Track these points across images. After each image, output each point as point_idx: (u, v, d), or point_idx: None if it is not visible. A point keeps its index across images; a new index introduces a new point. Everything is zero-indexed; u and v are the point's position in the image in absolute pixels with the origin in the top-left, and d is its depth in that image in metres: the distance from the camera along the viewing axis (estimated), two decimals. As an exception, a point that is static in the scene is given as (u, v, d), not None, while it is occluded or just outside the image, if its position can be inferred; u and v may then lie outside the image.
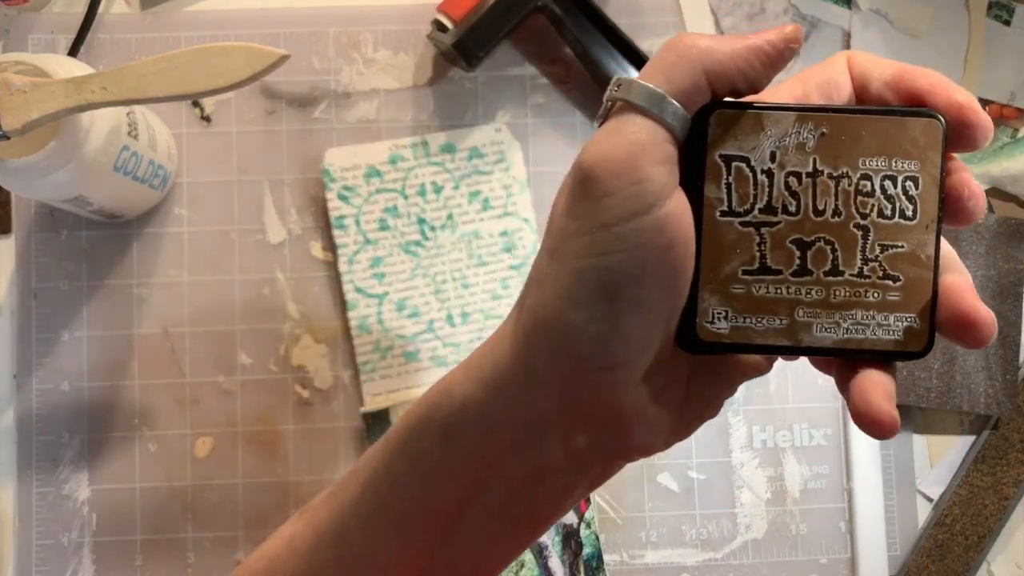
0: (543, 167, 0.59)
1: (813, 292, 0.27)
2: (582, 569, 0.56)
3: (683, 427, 0.30)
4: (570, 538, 0.56)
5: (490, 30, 0.54)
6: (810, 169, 0.28)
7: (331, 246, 0.57)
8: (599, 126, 0.29)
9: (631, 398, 0.28)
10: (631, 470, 0.57)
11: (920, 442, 0.59)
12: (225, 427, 0.57)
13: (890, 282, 0.27)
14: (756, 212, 0.28)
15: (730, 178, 0.28)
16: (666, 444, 0.30)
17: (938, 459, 0.59)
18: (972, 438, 0.59)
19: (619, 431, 0.29)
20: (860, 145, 0.27)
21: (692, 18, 0.61)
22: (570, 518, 0.56)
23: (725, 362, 0.31)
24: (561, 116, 0.60)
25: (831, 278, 0.27)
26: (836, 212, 0.27)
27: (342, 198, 0.57)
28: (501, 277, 0.57)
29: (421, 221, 0.57)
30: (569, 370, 0.28)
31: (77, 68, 0.45)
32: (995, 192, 0.60)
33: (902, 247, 0.27)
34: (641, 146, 0.27)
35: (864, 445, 0.58)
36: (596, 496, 0.57)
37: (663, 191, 0.27)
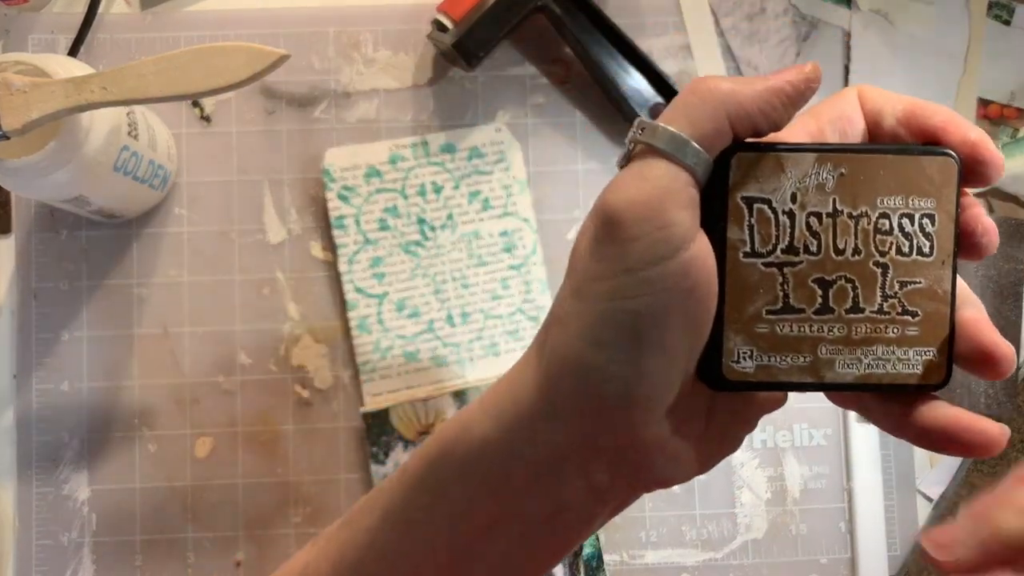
0: (543, 167, 0.59)
1: (835, 329, 0.28)
2: (582, 569, 0.56)
3: (703, 461, 0.31)
4: (570, 538, 0.56)
5: (490, 30, 0.54)
6: (830, 209, 0.28)
7: (331, 246, 0.57)
8: (620, 168, 0.29)
9: (652, 434, 0.29)
10: (631, 470, 0.57)
11: (920, 442, 0.59)
12: (225, 427, 0.57)
13: (909, 317, 0.28)
14: (778, 253, 0.28)
15: (752, 220, 0.29)
16: (686, 477, 0.30)
17: (938, 459, 0.59)
18: (972, 438, 0.59)
19: (639, 466, 0.29)
20: (878, 184, 0.28)
21: (692, 18, 0.61)
22: None
23: (745, 398, 0.31)
24: (561, 116, 0.60)
25: (852, 315, 0.28)
26: (856, 251, 0.28)
27: (342, 198, 0.57)
28: (501, 277, 0.57)
29: (421, 221, 0.57)
30: (591, 408, 0.28)
31: (77, 68, 0.45)
32: (995, 192, 0.60)
33: (920, 283, 0.28)
34: (666, 191, 0.27)
35: (864, 445, 0.58)
36: (596, 496, 0.57)
37: (688, 235, 0.27)
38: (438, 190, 0.57)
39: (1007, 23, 0.61)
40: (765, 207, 0.28)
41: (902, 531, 0.58)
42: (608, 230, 0.27)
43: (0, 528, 0.55)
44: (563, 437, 0.29)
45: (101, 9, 0.57)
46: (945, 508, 0.57)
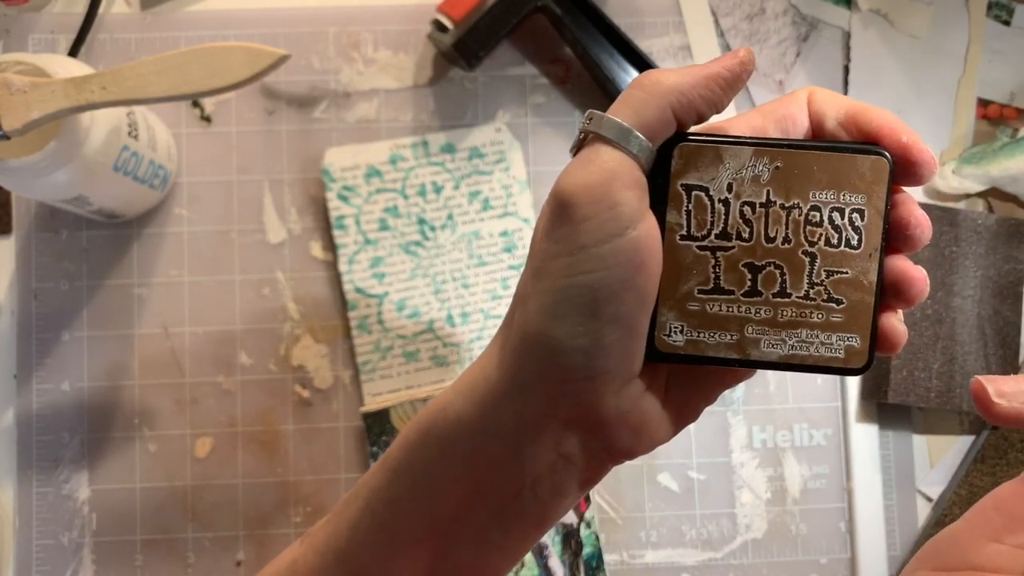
0: (543, 167, 0.59)
1: (762, 311, 0.30)
2: (582, 569, 0.56)
3: (663, 431, 0.32)
4: (570, 538, 0.56)
5: (490, 30, 0.54)
6: (763, 200, 0.30)
7: (331, 246, 0.58)
8: (572, 155, 0.31)
9: (613, 404, 0.30)
10: (631, 470, 0.57)
11: (920, 442, 0.59)
12: (225, 427, 0.57)
13: (834, 304, 0.30)
14: (712, 237, 0.31)
15: (690, 205, 0.31)
16: (648, 447, 0.32)
17: (938, 459, 0.59)
18: (972, 438, 0.59)
19: (603, 435, 0.31)
20: (811, 179, 0.30)
21: (692, 18, 0.61)
22: (570, 518, 0.56)
23: (702, 371, 0.32)
24: (561, 116, 0.60)
25: (779, 299, 0.30)
26: (786, 240, 0.30)
27: (342, 198, 0.57)
28: (501, 277, 0.57)
29: (421, 221, 0.57)
30: (554, 380, 0.30)
31: (77, 68, 0.45)
32: (994, 192, 0.60)
33: (847, 273, 0.30)
34: (613, 174, 0.29)
35: (864, 445, 0.58)
36: (596, 496, 0.57)
37: (635, 214, 0.29)
38: (438, 190, 0.57)
39: (1007, 23, 0.62)
40: (703, 194, 0.31)
41: (902, 531, 0.58)
42: (561, 212, 0.29)
43: (0, 528, 0.56)
44: (530, 408, 0.31)
45: (101, 9, 0.58)
46: (945, 508, 0.57)
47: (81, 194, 0.49)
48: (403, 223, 0.57)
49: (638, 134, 0.30)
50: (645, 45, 0.59)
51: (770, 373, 0.58)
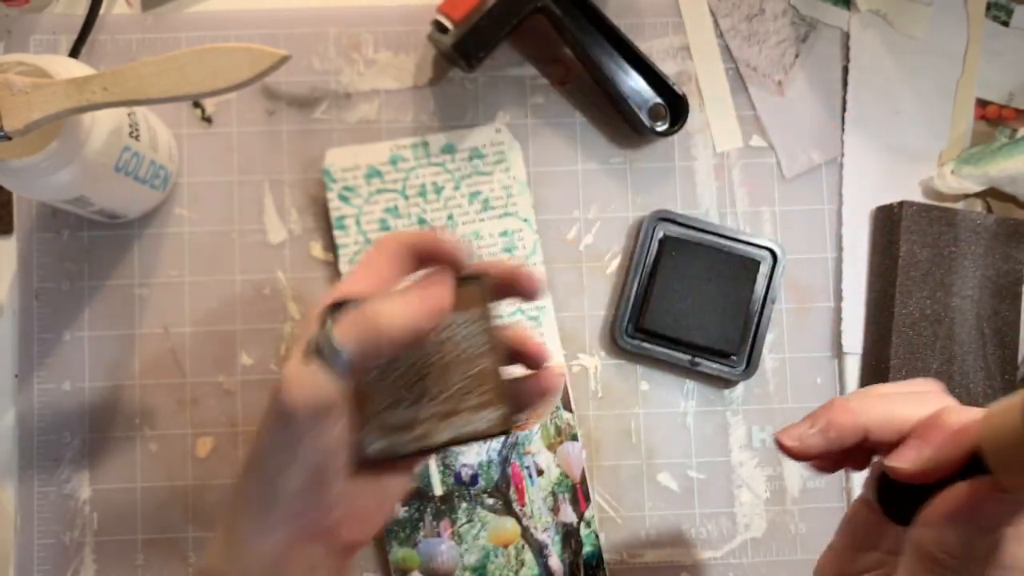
0: (543, 167, 0.59)
1: (430, 409, 0.39)
2: (582, 568, 0.56)
3: (381, 515, 0.41)
4: (570, 537, 0.56)
5: (490, 31, 0.54)
6: None
7: (331, 246, 0.58)
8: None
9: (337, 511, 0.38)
10: (631, 470, 0.58)
11: (919, 442, 0.59)
12: (226, 427, 0.57)
13: (475, 394, 0.40)
14: (382, 369, 0.39)
15: None
16: (372, 532, 0.40)
17: (937, 459, 0.59)
18: (971, 438, 0.59)
19: (335, 535, 0.38)
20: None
21: (691, 19, 0.61)
22: (570, 517, 0.56)
23: (375, 484, 0.40)
24: (561, 116, 0.60)
25: (439, 398, 0.39)
26: (437, 354, 0.40)
27: (342, 199, 0.57)
28: None
29: (422, 222, 0.57)
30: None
31: (78, 69, 0.45)
32: (993, 192, 0.60)
33: (481, 366, 0.40)
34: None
35: (863, 445, 0.58)
36: (596, 496, 0.57)
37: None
38: (439, 191, 0.57)
39: (1005, 24, 0.62)
40: None
41: (901, 530, 0.58)
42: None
43: (2, 527, 0.56)
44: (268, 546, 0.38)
45: (102, 10, 0.58)
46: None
47: (82, 194, 0.49)
48: (403, 223, 0.57)
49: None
50: (645, 46, 0.59)
51: (769, 374, 0.58)
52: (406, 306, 0.36)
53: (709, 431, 0.58)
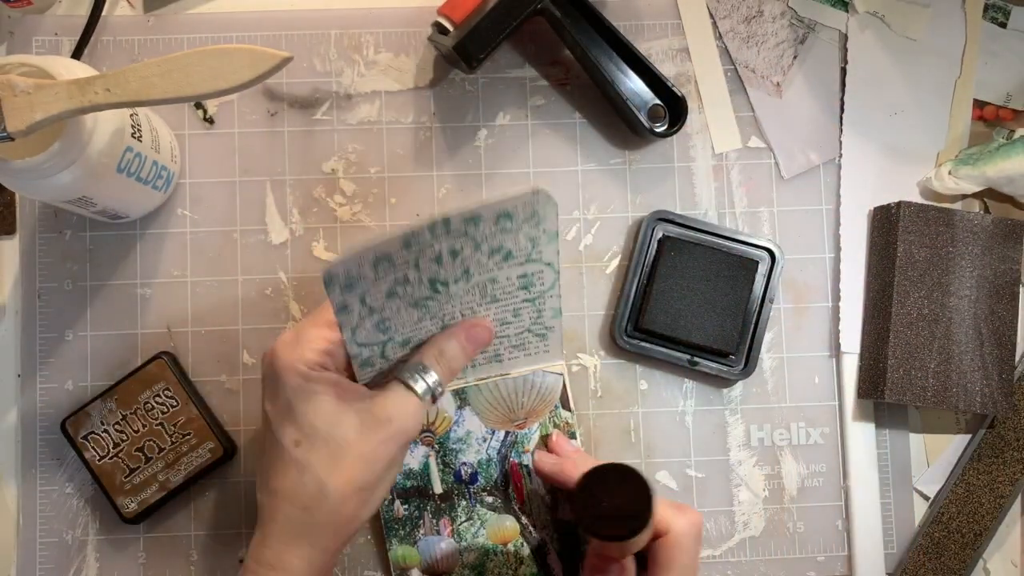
0: (543, 168, 0.60)
1: (158, 465, 0.54)
2: (581, 566, 0.56)
3: None
4: (568, 535, 0.56)
5: (490, 32, 0.55)
6: (119, 416, 0.56)
7: (333, 247, 0.58)
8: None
9: None
10: (630, 468, 0.58)
11: (917, 441, 0.59)
12: (228, 426, 0.57)
13: (183, 443, 0.55)
14: (111, 452, 0.53)
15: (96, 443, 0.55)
16: None
17: (935, 458, 0.59)
18: (968, 437, 0.59)
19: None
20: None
21: (690, 21, 0.61)
22: (568, 515, 0.56)
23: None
24: (561, 117, 0.60)
25: (156, 459, 0.54)
26: (144, 427, 0.54)
27: (346, 290, 0.44)
28: (514, 308, 0.50)
29: (433, 281, 0.47)
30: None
31: (81, 70, 0.46)
32: (991, 193, 0.61)
33: (189, 435, 0.55)
34: None
35: (861, 444, 0.58)
36: (595, 494, 0.57)
37: None
38: (455, 255, 0.46)
39: (1003, 25, 0.62)
40: (96, 433, 0.55)
41: (899, 529, 0.58)
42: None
43: (4, 525, 0.56)
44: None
45: (105, 11, 0.58)
46: (941, 506, 0.58)
47: (85, 195, 0.49)
48: (412, 288, 0.46)
49: None
50: (644, 47, 0.60)
51: (767, 373, 0.58)
52: (462, 351, 0.48)
53: (708, 430, 0.58)
